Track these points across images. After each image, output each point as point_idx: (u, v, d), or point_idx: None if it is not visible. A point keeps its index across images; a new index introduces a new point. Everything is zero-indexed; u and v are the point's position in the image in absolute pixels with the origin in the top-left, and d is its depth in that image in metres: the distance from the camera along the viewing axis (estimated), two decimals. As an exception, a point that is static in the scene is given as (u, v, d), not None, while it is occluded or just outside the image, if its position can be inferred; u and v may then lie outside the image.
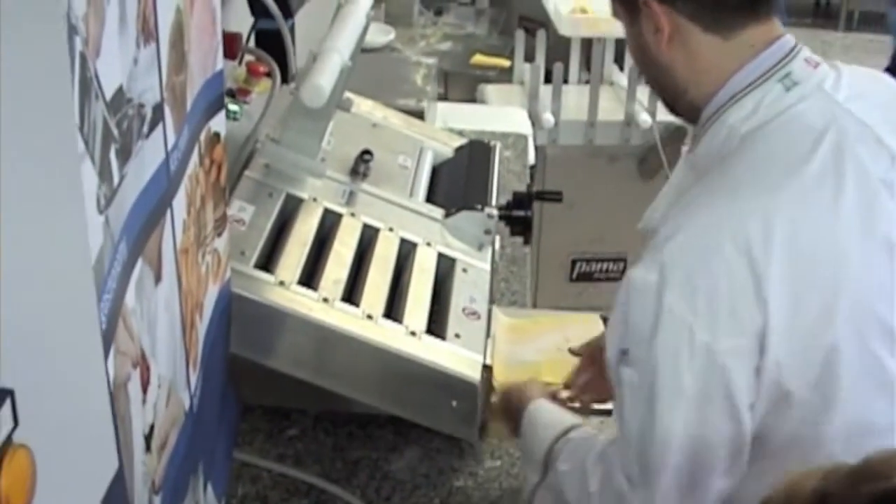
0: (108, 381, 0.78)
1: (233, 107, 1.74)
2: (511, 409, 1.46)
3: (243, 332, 1.37)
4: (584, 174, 3.36)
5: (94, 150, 0.76)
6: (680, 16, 1.21)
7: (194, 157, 1.12)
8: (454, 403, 1.41)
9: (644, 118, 3.28)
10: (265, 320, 1.39)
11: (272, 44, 1.95)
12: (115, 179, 0.82)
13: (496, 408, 1.50)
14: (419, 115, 2.24)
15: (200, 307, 1.18)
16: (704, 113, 1.25)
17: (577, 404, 1.54)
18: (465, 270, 1.64)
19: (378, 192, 1.72)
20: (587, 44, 3.37)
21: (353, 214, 1.63)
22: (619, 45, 3.48)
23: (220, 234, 1.27)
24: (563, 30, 3.34)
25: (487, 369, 1.45)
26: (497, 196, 1.80)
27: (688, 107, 1.29)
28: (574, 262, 3.54)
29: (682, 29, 1.22)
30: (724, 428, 1.16)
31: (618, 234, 3.50)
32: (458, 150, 1.99)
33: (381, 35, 3.39)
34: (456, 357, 1.43)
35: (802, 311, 1.13)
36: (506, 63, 3.57)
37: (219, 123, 1.24)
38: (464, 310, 1.53)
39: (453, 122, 2.49)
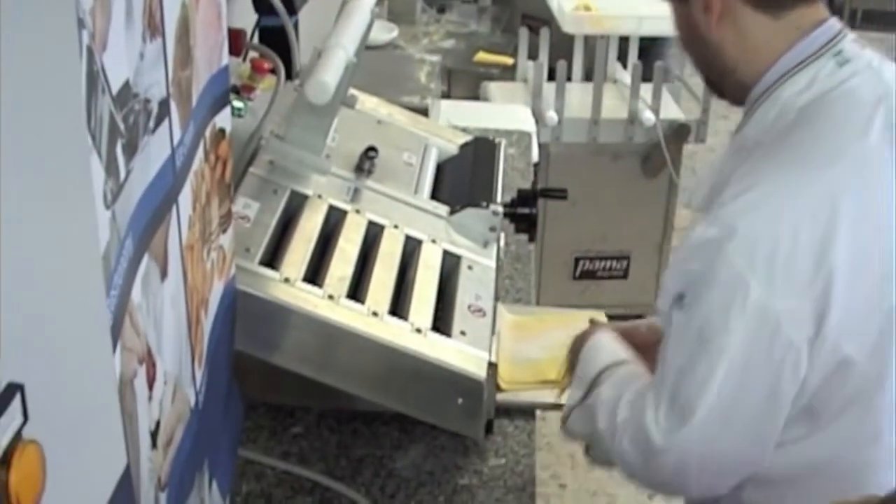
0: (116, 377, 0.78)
1: (237, 103, 1.73)
2: (577, 346, 1.49)
3: (248, 328, 1.37)
4: (587, 172, 3.36)
5: (101, 144, 0.75)
6: None
7: (200, 153, 1.12)
8: (460, 401, 1.40)
9: (647, 116, 3.28)
10: (270, 317, 1.38)
11: (276, 41, 1.95)
12: (122, 174, 0.81)
13: (570, 349, 1.52)
14: (423, 112, 2.23)
15: (206, 303, 1.18)
16: (754, 91, 1.29)
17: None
18: (470, 267, 1.63)
19: (383, 188, 1.72)
20: (591, 41, 3.36)
21: (357, 211, 1.63)
22: (623, 42, 3.48)
23: (225, 231, 1.26)
24: (567, 27, 3.34)
25: (493, 367, 1.45)
26: (502, 193, 1.80)
27: (735, 86, 1.32)
28: (577, 261, 3.54)
29: (733, 8, 1.26)
30: (762, 387, 1.20)
31: (621, 233, 3.51)
32: (463, 146, 1.98)
33: (384, 33, 3.38)
34: (462, 354, 1.43)
35: (864, 277, 1.18)
36: (509, 61, 3.57)
37: (224, 119, 1.23)
38: (469, 307, 1.53)
39: (457, 119, 2.48)
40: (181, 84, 1.01)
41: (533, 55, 3.41)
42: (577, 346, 1.49)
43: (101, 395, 0.76)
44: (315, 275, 1.46)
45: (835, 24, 1.28)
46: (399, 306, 1.48)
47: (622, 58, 3.52)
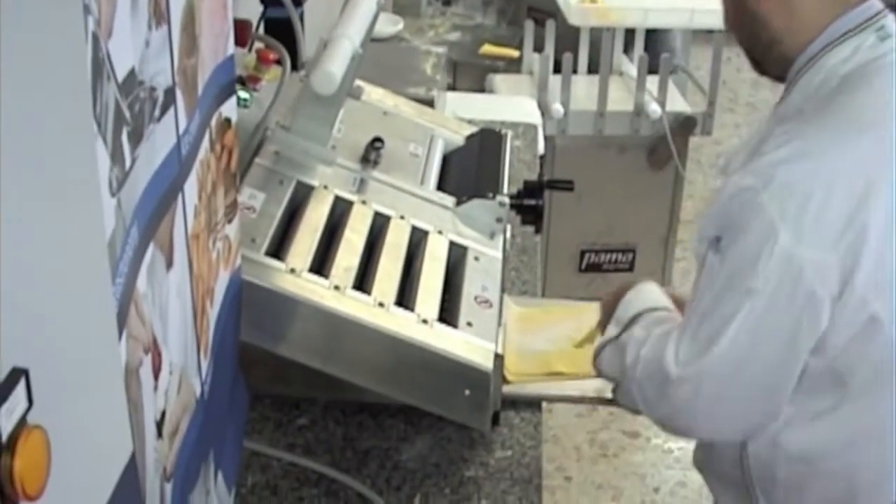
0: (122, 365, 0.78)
1: (243, 94, 1.73)
2: (618, 295, 1.52)
3: (254, 319, 1.36)
4: (593, 164, 3.35)
5: (107, 132, 0.75)
6: None
7: (205, 143, 1.11)
8: (467, 392, 1.40)
9: (653, 108, 3.27)
10: (276, 308, 1.38)
11: (281, 32, 1.95)
12: (127, 162, 0.81)
13: (605, 300, 1.56)
14: (429, 103, 2.23)
15: (211, 293, 1.18)
16: (797, 62, 1.33)
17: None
18: (476, 259, 1.63)
19: (389, 179, 1.71)
20: (596, 34, 3.36)
21: (364, 202, 1.62)
22: (629, 34, 3.47)
23: (230, 221, 1.26)
24: (573, 19, 3.33)
25: (499, 358, 1.44)
26: (508, 185, 1.79)
27: (779, 59, 1.36)
28: (583, 253, 3.53)
29: None
30: (780, 333, 1.24)
31: (626, 225, 3.50)
32: (469, 138, 1.98)
33: (389, 25, 3.38)
34: (468, 345, 1.43)
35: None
36: (514, 53, 3.56)
37: (230, 109, 1.23)
38: (476, 298, 1.53)
39: (462, 111, 2.47)
40: (187, 73, 1.01)
41: (538, 47, 3.40)
42: (618, 295, 1.52)
43: (106, 382, 0.75)
44: (321, 265, 1.46)
45: (876, 3, 1.32)
46: (405, 297, 1.48)
47: (628, 50, 3.51)
